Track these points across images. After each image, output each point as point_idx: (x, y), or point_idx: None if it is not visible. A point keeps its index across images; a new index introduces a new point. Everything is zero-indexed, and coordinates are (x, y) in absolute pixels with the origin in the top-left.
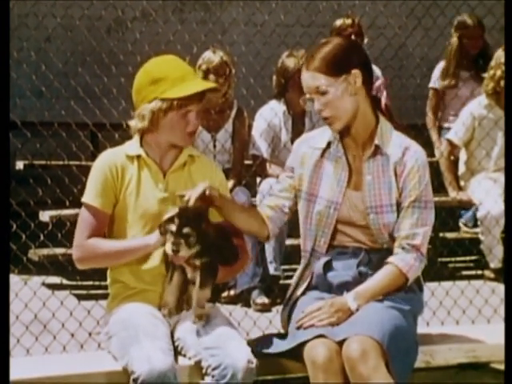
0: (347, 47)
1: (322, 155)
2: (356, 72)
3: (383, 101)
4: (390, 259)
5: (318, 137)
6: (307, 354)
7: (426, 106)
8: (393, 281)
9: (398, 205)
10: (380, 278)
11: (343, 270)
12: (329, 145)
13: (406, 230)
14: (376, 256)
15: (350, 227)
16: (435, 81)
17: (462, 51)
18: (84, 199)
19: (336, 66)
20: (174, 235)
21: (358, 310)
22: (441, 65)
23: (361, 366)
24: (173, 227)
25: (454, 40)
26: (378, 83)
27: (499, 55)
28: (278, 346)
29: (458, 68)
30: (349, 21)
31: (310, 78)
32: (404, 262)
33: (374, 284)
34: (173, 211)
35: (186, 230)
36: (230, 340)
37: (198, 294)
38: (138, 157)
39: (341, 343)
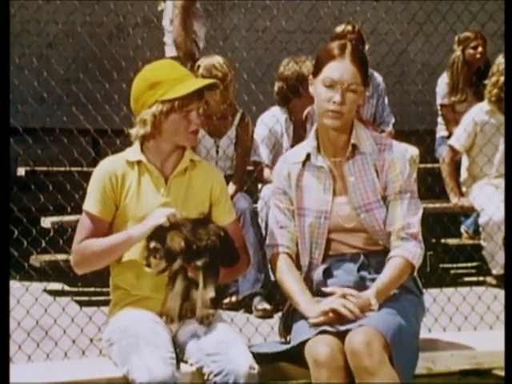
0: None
1: (303, 168)
2: (366, 90)
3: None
4: (395, 252)
5: (296, 152)
6: (308, 353)
7: (439, 125)
8: (403, 272)
9: (385, 199)
10: (392, 272)
11: (343, 275)
12: (308, 157)
13: (400, 221)
14: (374, 259)
15: (343, 234)
16: (443, 97)
17: (467, 64)
18: (84, 206)
19: (366, 76)
20: (146, 250)
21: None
22: (444, 80)
23: (366, 359)
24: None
25: (458, 54)
26: (380, 88)
27: (501, 61)
28: (280, 347)
29: (466, 82)
30: (349, 27)
31: (350, 72)
32: (408, 251)
33: (388, 279)
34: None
35: (152, 244)
36: (231, 346)
37: (203, 293)
38: (139, 162)
39: (342, 339)
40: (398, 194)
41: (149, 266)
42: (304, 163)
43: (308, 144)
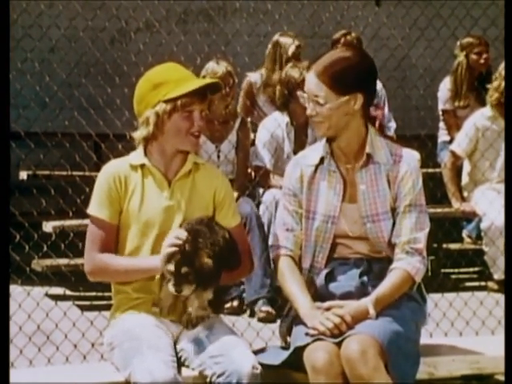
0: (360, 66)
1: (315, 171)
2: (359, 96)
3: (378, 119)
4: (398, 264)
5: (309, 154)
6: (307, 359)
7: (441, 130)
8: (403, 285)
9: (393, 211)
10: (392, 284)
11: (345, 280)
12: (321, 160)
13: (406, 235)
14: (377, 265)
15: (349, 239)
16: (445, 102)
17: (471, 69)
18: (90, 211)
19: (343, 85)
20: (174, 276)
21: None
22: (445, 85)
23: (361, 367)
24: (171, 267)
25: (462, 59)
26: (379, 95)
27: (504, 66)
28: (280, 357)
29: (468, 87)
30: (349, 37)
31: (313, 85)
32: (411, 265)
33: (388, 290)
34: (171, 239)
35: (184, 269)
36: (234, 347)
37: (202, 294)
38: (142, 166)
39: (340, 345)
40: (408, 206)
41: (181, 291)
42: (317, 166)
43: (322, 148)
